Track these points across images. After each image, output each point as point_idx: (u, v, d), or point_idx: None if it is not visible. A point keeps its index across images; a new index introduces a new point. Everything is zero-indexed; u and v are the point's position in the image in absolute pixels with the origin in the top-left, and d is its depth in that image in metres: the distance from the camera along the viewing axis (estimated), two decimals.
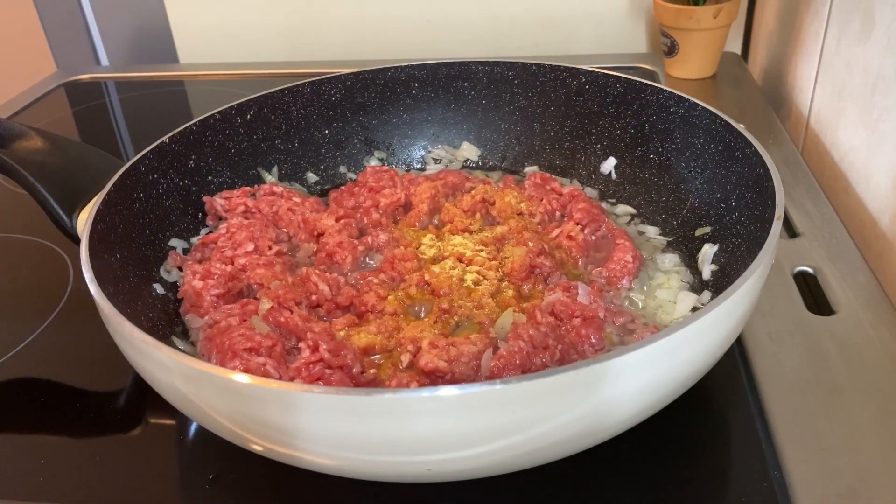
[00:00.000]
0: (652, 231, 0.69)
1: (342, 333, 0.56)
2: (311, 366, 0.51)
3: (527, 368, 0.51)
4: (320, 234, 0.69)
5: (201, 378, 0.42)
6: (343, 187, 0.78)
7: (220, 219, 0.71)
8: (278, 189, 0.74)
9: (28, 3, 1.29)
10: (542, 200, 0.71)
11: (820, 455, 0.50)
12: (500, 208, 0.70)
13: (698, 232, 0.65)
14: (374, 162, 0.83)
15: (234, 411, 0.43)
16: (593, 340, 0.55)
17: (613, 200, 0.75)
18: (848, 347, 0.58)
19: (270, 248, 0.67)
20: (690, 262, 0.64)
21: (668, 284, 0.62)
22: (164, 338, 0.58)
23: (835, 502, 0.47)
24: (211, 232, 0.70)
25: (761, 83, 1.07)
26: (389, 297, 0.60)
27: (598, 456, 0.47)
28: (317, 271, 0.62)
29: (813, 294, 0.65)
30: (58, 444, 0.55)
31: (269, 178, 0.78)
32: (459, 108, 0.83)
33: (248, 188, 0.74)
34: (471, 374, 0.52)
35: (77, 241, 0.58)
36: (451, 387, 0.38)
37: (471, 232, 0.69)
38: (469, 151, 0.83)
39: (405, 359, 0.54)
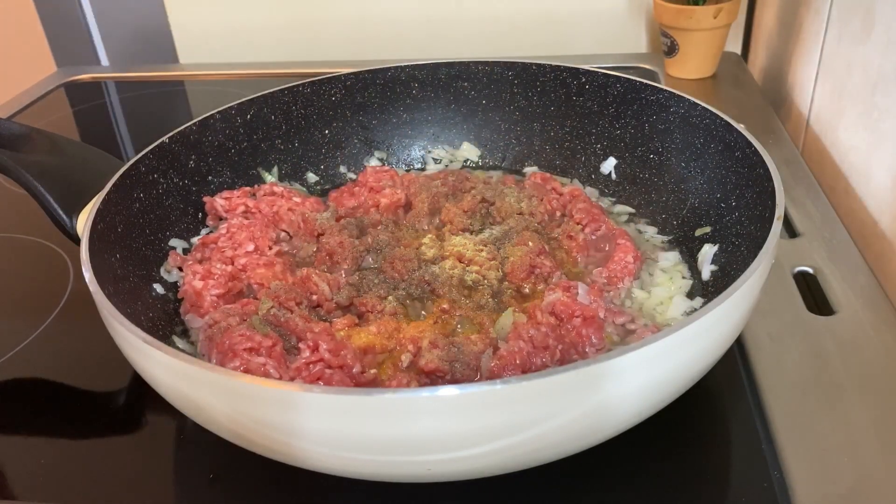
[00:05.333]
0: (652, 231, 0.69)
1: (342, 333, 0.56)
2: (311, 366, 0.51)
3: (527, 368, 0.51)
4: (320, 234, 0.69)
5: (201, 378, 0.42)
6: (343, 187, 0.78)
7: (221, 219, 0.71)
8: (278, 189, 0.74)
9: (28, 3, 1.29)
10: (542, 200, 0.71)
11: (820, 455, 0.50)
12: (500, 208, 0.70)
13: (698, 232, 0.65)
14: (374, 162, 0.83)
15: (234, 411, 0.43)
16: (594, 340, 0.55)
17: (613, 200, 0.75)
18: (848, 347, 0.58)
19: (270, 248, 0.67)
20: (691, 261, 0.64)
21: (668, 284, 0.62)
22: (164, 338, 0.58)
23: (835, 502, 0.47)
24: (211, 232, 0.70)
25: (761, 83, 1.07)
26: (389, 297, 0.60)
27: (598, 456, 0.47)
28: (317, 271, 0.62)
29: (813, 294, 0.65)
30: (58, 444, 0.55)
31: (269, 178, 0.78)
32: (459, 108, 0.83)
33: (248, 188, 0.74)
34: (471, 374, 0.52)
35: (77, 241, 0.58)
36: (451, 387, 0.38)
37: (471, 232, 0.69)
38: (469, 151, 0.83)
39: (405, 359, 0.54)
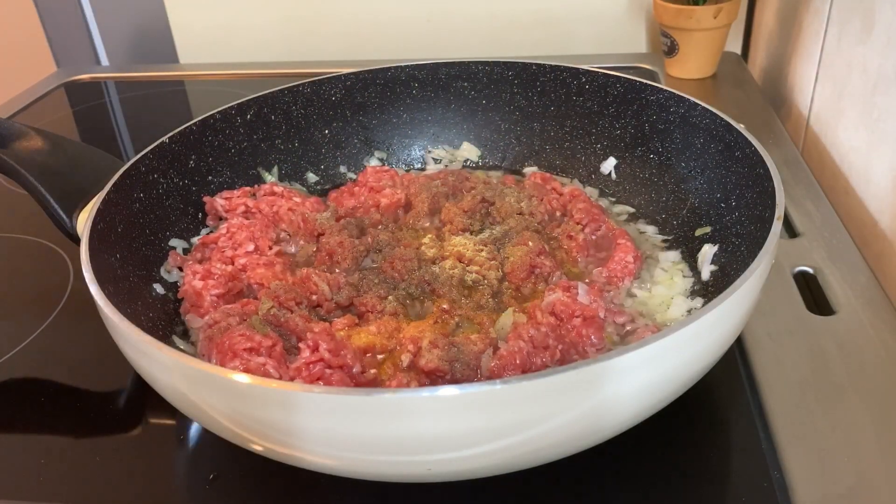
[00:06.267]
0: (652, 230, 0.69)
1: (342, 333, 0.56)
2: (311, 366, 0.51)
3: (527, 368, 0.51)
4: (320, 234, 0.69)
5: (201, 378, 0.42)
6: (343, 187, 0.78)
7: (221, 219, 0.71)
8: (278, 189, 0.74)
9: (28, 3, 1.29)
10: (542, 200, 0.71)
11: (820, 455, 0.50)
12: (500, 208, 0.70)
13: (698, 232, 0.65)
14: (374, 162, 0.83)
15: (234, 411, 0.43)
16: (594, 340, 0.55)
17: (613, 200, 0.75)
18: (848, 347, 0.58)
19: (270, 248, 0.67)
20: (691, 261, 0.64)
21: (669, 283, 0.62)
22: (164, 338, 0.58)
23: (835, 502, 0.47)
24: (211, 232, 0.70)
25: (761, 83, 1.07)
26: (389, 297, 0.60)
27: (599, 456, 0.47)
28: (317, 271, 0.62)
29: (813, 294, 0.65)
30: (58, 444, 0.55)
31: (269, 178, 0.78)
32: (459, 108, 0.83)
33: (248, 188, 0.74)
34: (471, 374, 0.52)
35: (77, 241, 0.58)
36: (451, 387, 0.38)
37: (471, 232, 0.69)
38: (469, 151, 0.83)
39: (405, 359, 0.54)
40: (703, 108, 0.67)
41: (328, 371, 0.51)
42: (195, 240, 0.69)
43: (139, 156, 0.65)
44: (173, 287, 0.63)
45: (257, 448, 0.45)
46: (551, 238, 0.68)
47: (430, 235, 0.68)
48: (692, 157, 0.68)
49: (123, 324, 0.45)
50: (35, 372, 0.62)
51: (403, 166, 0.84)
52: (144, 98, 1.17)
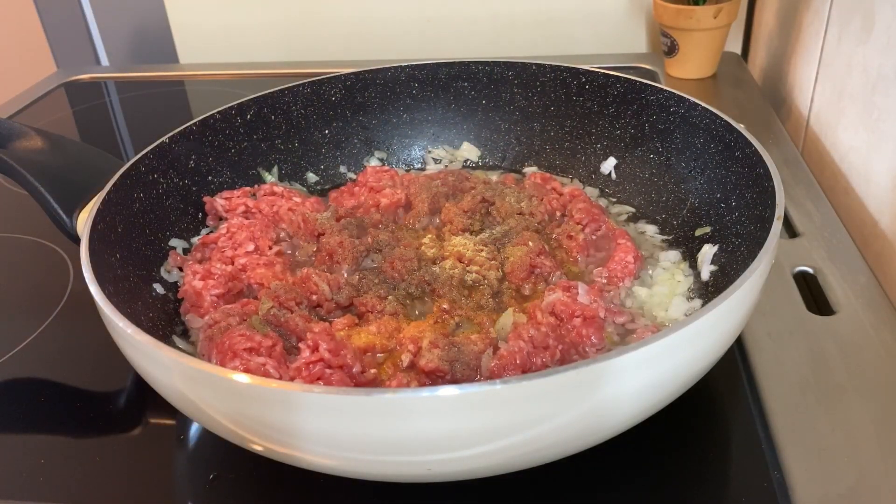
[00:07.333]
0: (652, 230, 0.69)
1: (342, 333, 0.56)
2: (311, 366, 0.51)
3: (527, 368, 0.51)
4: (320, 234, 0.69)
5: (201, 378, 0.42)
6: (343, 187, 0.78)
7: (221, 219, 0.71)
8: (278, 189, 0.74)
9: (28, 3, 1.29)
10: (542, 200, 0.71)
11: (820, 455, 0.50)
12: (500, 208, 0.70)
13: (698, 232, 0.65)
14: (374, 162, 0.83)
15: (234, 411, 0.43)
16: (594, 340, 0.55)
17: (613, 200, 0.75)
18: (848, 347, 0.58)
19: (270, 248, 0.67)
20: (691, 261, 0.64)
21: (669, 283, 0.62)
22: (164, 338, 0.58)
23: (835, 502, 0.47)
24: (211, 232, 0.70)
25: (761, 83, 1.07)
26: (389, 297, 0.60)
27: (599, 456, 0.47)
28: (317, 271, 0.62)
29: (813, 294, 0.65)
30: (58, 444, 0.55)
31: (269, 178, 0.78)
32: (459, 108, 0.83)
33: (248, 188, 0.74)
34: (471, 374, 0.52)
35: (77, 241, 0.58)
36: (451, 387, 0.38)
37: (471, 232, 0.69)
38: (469, 151, 0.83)
39: (405, 359, 0.54)
40: (703, 108, 0.67)
41: (328, 371, 0.51)
42: (195, 240, 0.69)
43: (139, 156, 0.65)
44: (173, 287, 0.63)
45: (257, 448, 0.45)
46: (551, 238, 0.68)
47: (430, 235, 0.68)
48: (692, 157, 0.68)
49: (123, 324, 0.45)
50: (35, 372, 0.62)
51: (403, 166, 0.84)
52: (144, 98, 1.17)
